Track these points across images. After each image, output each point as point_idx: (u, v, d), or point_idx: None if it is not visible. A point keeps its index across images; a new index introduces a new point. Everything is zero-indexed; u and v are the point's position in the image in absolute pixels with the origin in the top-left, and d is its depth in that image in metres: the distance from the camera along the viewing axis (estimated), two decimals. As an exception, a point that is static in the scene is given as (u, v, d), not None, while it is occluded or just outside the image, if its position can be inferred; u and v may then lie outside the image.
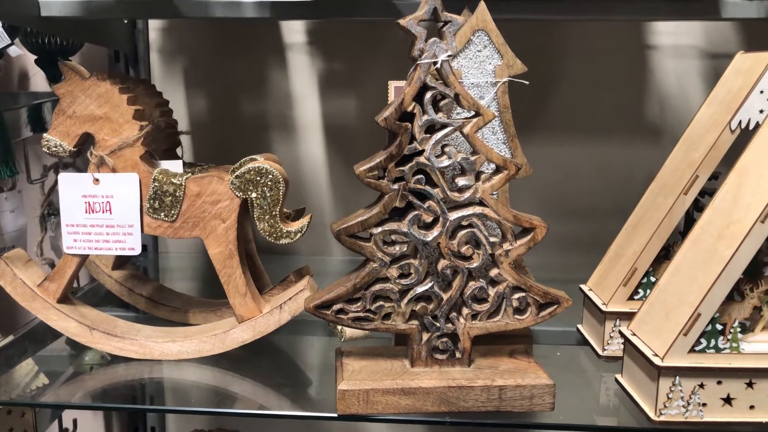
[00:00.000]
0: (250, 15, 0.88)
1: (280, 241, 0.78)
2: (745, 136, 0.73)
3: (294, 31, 1.26)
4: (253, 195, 0.77)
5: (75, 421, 1.24)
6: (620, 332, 0.73)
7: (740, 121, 0.76)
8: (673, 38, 1.22)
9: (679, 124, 1.23)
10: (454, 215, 0.67)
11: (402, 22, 0.64)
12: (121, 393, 0.77)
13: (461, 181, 0.67)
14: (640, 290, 0.80)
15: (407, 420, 0.67)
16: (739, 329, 0.65)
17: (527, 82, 0.78)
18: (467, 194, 0.67)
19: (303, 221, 0.79)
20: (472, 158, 0.67)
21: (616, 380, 0.73)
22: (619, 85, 1.23)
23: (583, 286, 0.88)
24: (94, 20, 1.08)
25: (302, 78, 1.27)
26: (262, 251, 0.95)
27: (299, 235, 0.78)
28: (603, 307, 0.80)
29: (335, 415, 0.67)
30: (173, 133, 0.91)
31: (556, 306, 0.70)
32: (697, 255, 0.68)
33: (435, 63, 0.64)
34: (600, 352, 0.81)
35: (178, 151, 0.93)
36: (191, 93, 1.30)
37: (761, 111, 0.72)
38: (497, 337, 0.78)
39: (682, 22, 1.18)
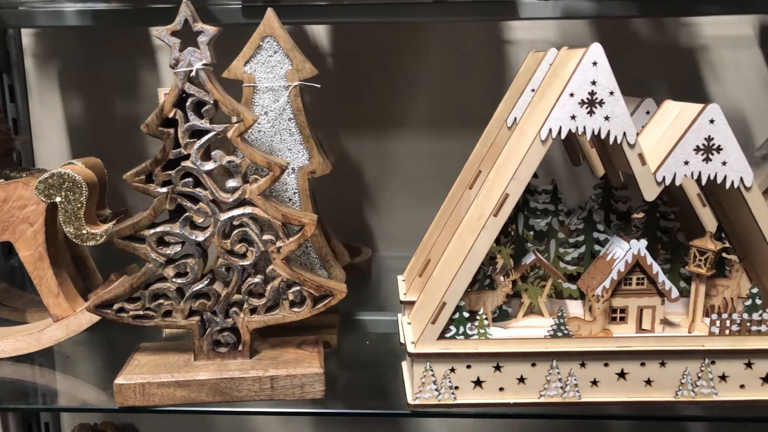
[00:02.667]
0: (73, 23, 0.91)
1: (87, 243, 0.81)
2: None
3: (163, 34, 1.29)
4: (58, 199, 0.80)
5: (-40, 420, 1.27)
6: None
7: (515, 118, 0.80)
8: (529, 33, 1.26)
9: (538, 117, 1.27)
10: (225, 216, 0.71)
11: (156, 33, 0.67)
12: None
13: (230, 183, 0.71)
14: (436, 281, 0.84)
15: (184, 411, 0.71)
16: (485, 317, 0.69)
17: (318, 86, 0.82)
18: (236, 195, 0.71)
19: (110, 224, 0.82)
20: (237, 161, 0.70)
21: (402, 367, 0.77)
22: (481, 80, 1.27)
23: (400, 277, 0.92)
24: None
25: (172, 79, 1.30)
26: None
27: (104, 237, 0.81)
28: (402, 297, 0.84)
29: (116, 407, 0.71)
30: (6, 140, 0.94)
31: (330, 298, 0.74)
32: (457, 247, 0.72)
33: (190, 71, 0.68)
34: (401, 340, 0.85)
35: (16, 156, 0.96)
36: (67, 96, 1.33)
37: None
38: (304, 328, 0.83)
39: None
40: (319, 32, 1.26)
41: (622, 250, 0.71)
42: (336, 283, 0.75)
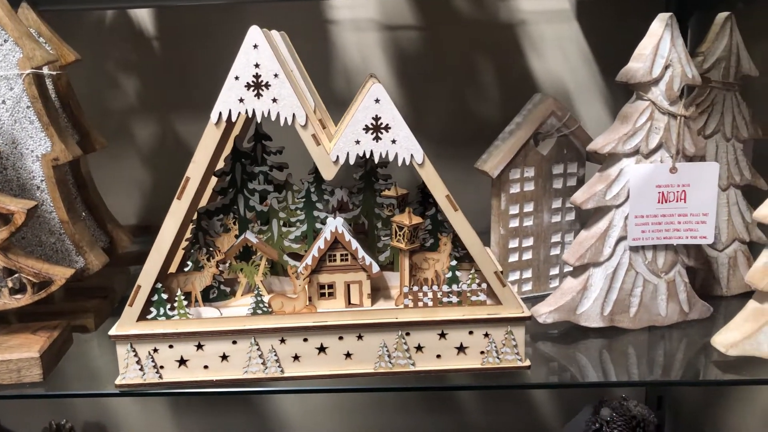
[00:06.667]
0: None
1: None
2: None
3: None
4: None
5: None
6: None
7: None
8: (351, 12, 1.26)
9: (365, 96, 1.28)
10: (-69, 206, 0.72)
11: None
12: None
13: (-66, 174, 0.72)
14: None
15: None
16: (183, 297, 0.70)
17: (55, 73, 0.82)
18: (-60, 186, 0.72)
19: None
20: (-64, 152, 0.71)
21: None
22: (305, 60, 1.27)
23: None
24: None
25: None
26: None
27: None
28: (156, 281, 0.86)
29: None
30: None
31: (51, 284, 0.75)
32: (167, 230, 0.73)
33: None
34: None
35: None
36: None
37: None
38: (61, 313, 0.84)
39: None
40: (143, 16, 1.26)
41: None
42: (60, 269, 0.76)
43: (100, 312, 0.89)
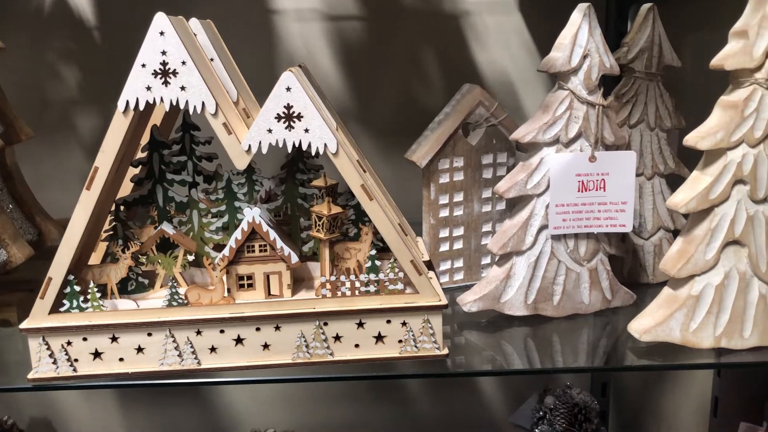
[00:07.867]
0: None
1: None
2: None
3: None
4: None
5: None
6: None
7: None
8: (295, 3, 1.25)
9: (309, 86, 1.27)
10: None
11: None
12: None
13: None
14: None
15: None
16: (96, 290, 0.69)
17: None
18: None
19: None
20: None
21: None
22: (247, 51, 1.25)
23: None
24: None
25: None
26: None
27: None
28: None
29: None
30: None
31: (-37, 278, 0.74)
32: (82, 221, 0.72)
33: None
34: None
35: None
36: None
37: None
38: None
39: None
40: (83, 4, 1.23)
41: (247, 219, 0.72)
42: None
43: (26, 305, 0.87)
